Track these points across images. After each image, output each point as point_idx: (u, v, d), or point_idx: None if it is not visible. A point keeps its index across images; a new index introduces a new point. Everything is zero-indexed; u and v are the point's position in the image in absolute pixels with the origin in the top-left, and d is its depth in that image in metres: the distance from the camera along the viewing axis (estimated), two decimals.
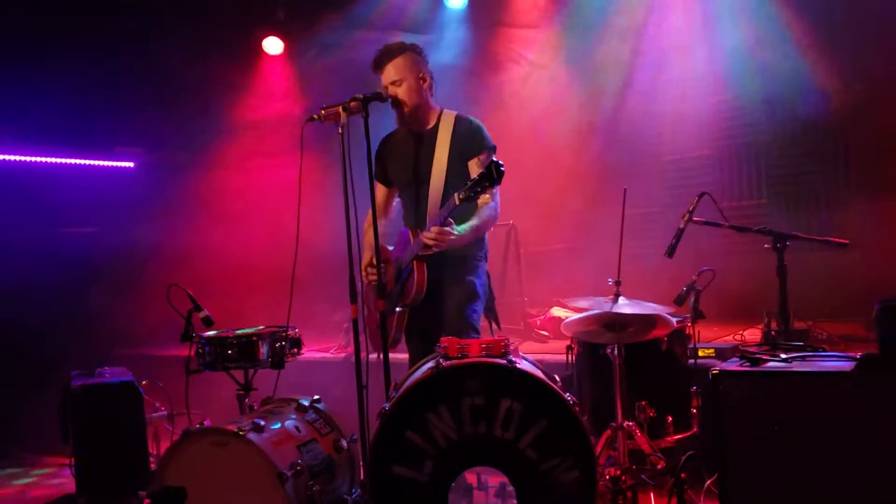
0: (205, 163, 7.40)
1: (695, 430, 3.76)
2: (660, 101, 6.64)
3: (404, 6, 7.10)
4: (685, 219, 3.61)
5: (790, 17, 5.81)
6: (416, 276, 3.50)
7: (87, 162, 7.48)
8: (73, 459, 4.26)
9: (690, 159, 6.72)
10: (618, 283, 3.58)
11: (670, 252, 3.61)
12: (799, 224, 5.97)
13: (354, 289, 3.44)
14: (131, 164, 7.77)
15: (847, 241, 3.75)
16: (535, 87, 7.19)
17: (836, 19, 5.42)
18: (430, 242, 3.36)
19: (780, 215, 6.25)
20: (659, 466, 3.44)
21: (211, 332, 3.73)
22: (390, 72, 3.68)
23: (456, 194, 3.19)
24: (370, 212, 3.79)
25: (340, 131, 3.44)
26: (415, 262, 3.51)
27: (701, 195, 3.63)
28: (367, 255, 3.71)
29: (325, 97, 3.61)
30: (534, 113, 7.02)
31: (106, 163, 7.61)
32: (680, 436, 3.75)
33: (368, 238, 3.68)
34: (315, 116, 3.55)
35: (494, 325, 3.84)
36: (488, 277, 3.81)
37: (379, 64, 3.72)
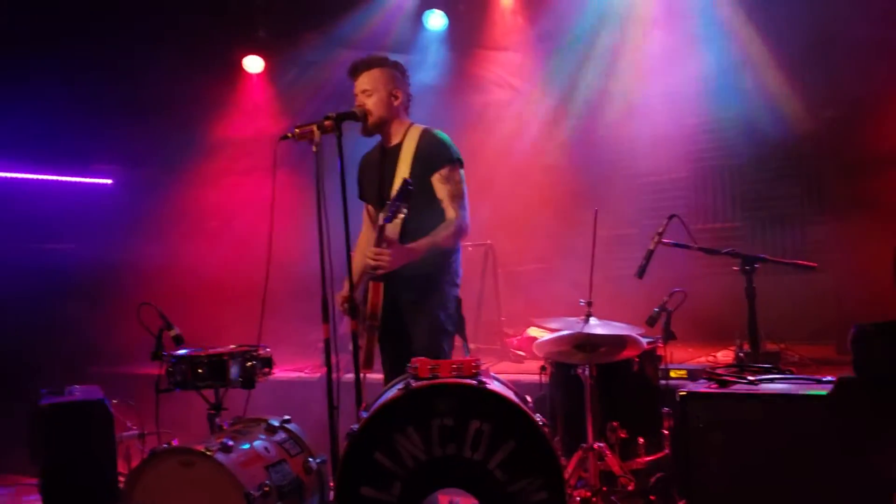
0: (183, 180, 7.38)
1: (666, 451, 3.76)
2: (635, 124, 6.70)
3: (385, 27, 7.15)
4: (655, 240, 3.64)
5: (763, 42, 5.90)
6: (370, 298, 3.43)
7: (64, 178, 7.43)
8: (41, 479, 4.20)
9: (665, 181, 6.78)
10: (589, 304, 3.60)
11: (640, 273, 3.64)
12: (772, 246, 6.06)
13: (327, 308, 3.42)
14: (109, 181, 7.73)
15: (815, 265, 3.79)
16: (512, 108, 7.26)
17: (808, 43, 5.50)
18: (372, 263, 3.32)
19: (754, 238, 6.33)
20: (629, 488, 3.44)
21: (181, 351, 3.71)
22: (363, 81, 3.67)
23: (381, 215, 3.24)
24: (359, 238, 3.81)
25: (315, 150, 3.43)
26: (371, 282, 3.44)
27: (671, 217, 3.67)
28: (346, 282, 3.69)
29: (305, 116, 3.60)
30: (511, 134, 7.08)
31: (83, 179, 7.56)
32: (651, 457, 3.74)
33: (354, 260, 3.65)
34: (289, 135, 3.53)
35: (465, 347, 3.79)
36: (458, 303, 3.69)
37: (354, 71, 3.70)
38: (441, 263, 3.59)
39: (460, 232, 3.56)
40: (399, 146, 3.69)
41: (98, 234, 6.98)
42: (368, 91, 3.66)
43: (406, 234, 3.44)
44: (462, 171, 3.62)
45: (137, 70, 7.01)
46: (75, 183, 7.52)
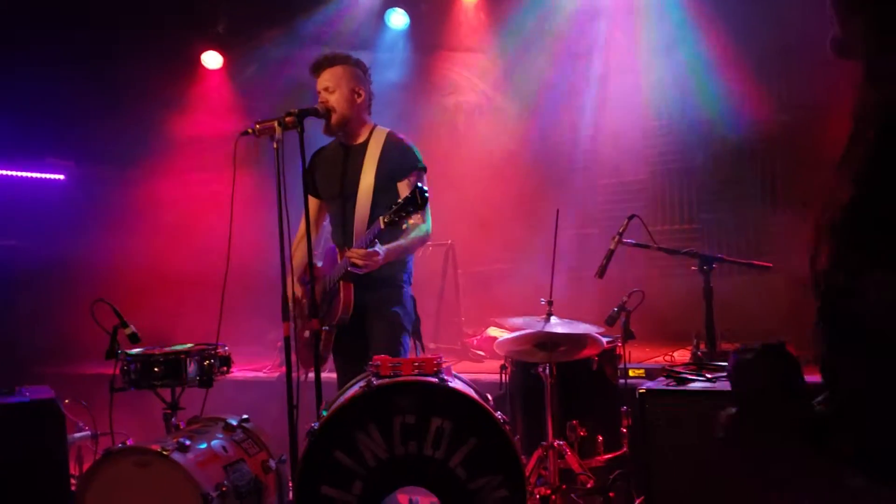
0: (138, 176, 7.25)
1: (625, 449, 3.81)
2: (596, 125, 6.78)
3: (346, 24, 7.12)
4: (615, 240, 3.68)
5: (721, 45, 6.00)
6: (342, 297, 3.46)
7: (16, 173, 7.25)
8: None
9: (626, 182, 6.85)
10: (550, 303, 3.62)
11: (601, 272, 3.67)
12: (729, 247, 6.15)
13: (287, 306, 3.39)
14: (62, 177, 7.55)
15: (770, 265, 3.87)
16: (473, 107, 7.28)
17: (766, 48, 5.61)
18: (360, 263, 3.32)
19: (711, 239, 6.42)
20: (588, 485, 3.47)
21: (137, 350, 3.63)
22: (325, 77, 3.66)
23: (381, 218, 3.20)
24: (300, 227, 3.77)
25: (276, 146, 3.39)
26: (341, 282, 3.47)
27: (630, 217, 3.71)
28: (295, 274, 3.67)
29: (263, 113, 3.55)
30: (472, 134, 7.10)
31: (36, 174, 7.38)
32: (610, 455, 3.78)
33: (296, 258, 3.65)
34: (249, 130, 3.49)
35: (419, 346, 3.80)
36: (413, 301, 3.74)
37: (317, 68, 3.69)
38: (398, 263, 3.63)
39: (426, 238, 3.64)
40: (363, 146, 3.69)
41: (49, 230, 6.82)
42: (331, 88, 3.65)
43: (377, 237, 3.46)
44: (425, 178, 3.65)
45: (93, 64, 6.88)
46: (26, 178, 7.34)
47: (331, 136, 3.76)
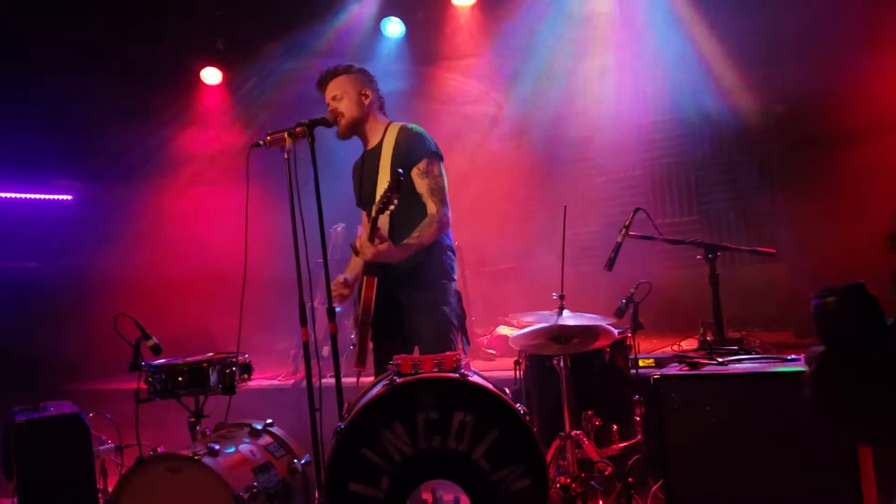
0: (144, 193, 7.36)
1: (639, 437, 3.90)
2: (596, 123, 6.87)
3: (344, 35, 7.21)
4: (622, 233, 3.76)
5: (715, 37, 6.10)
6: (363, 292, 3.51)
7: (25, 196, 7.34)
8: (16, 497, 4.15)
9: (625, 178, 6.96)
10: (561, 297, 3.70)
11: (610, 265, 3.76)
12: (728, 238, 6.26)
13: (304, 312, 3.45)
14: (69, 197, 7.64)
15: (773, 251, 3.95)
16: (475, 112, 7.36)
17: (759, 40, 5.71)
18: (365, 255, 3.36)
19: (711, 230, 6.53)
20: (606, 473, 3.55)
21: (160, 361, 3.72)
22: (331, 88, 3.73)
23: (373, 206, 3.27)
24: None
25: (287, 157, 3.45)
26: (364, 277, 3.51)
27: (636, 210, 3.80)
28: (344, 272, 3.75)
29: (264, 127, 3.62)
30: (475, 138, 7.18)
31: (44, 196, 7.47)
32: (625, 443, 3.88)
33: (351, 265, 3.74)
34: (260, 142, 3.54)
35: (465, 341, 3.79)
36: (458, 297, 3.74)
37: (322, 83, 3.77)
38: (434, 260, 3.62)
39: (442, 226, 3.59)
40: (379, 146, 3.74)
41: (61, 250, 6.92)
42: (338, 96, 3.72)
43: (393, 227, 3.52)
44: (441, 165, 3.67)
45: (95, 84, 6.96)
46: (36, 200, 7.43)
47: (345, 139, 3.82)
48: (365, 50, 7.22)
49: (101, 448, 4.64)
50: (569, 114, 6.87)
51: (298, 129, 3.50)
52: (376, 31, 7.25)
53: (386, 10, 7.21)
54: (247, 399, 5.05)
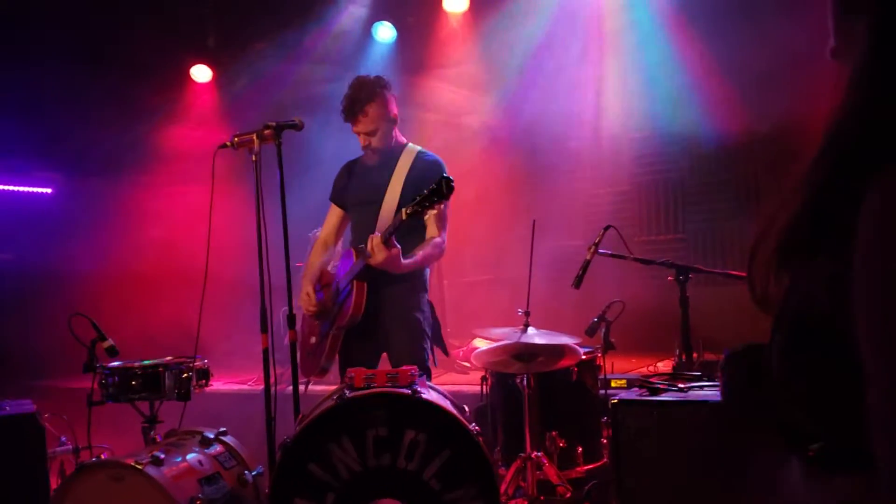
0: (125, 189, 7.27)
1: (605, 460, 3.81)
2: (580, 138, 6.80)
3: (335, 37, 7.14)
4: (591, 251, 3.68)
5: (701, 57, 6.04)
6: (354, 297, 3.46)
7: (4, 187, 7.26)
8: None
9: (610, 194, 6.89)
10: (527, 314, 3.62)
11: (577, 283, 3.67)
12: (713, 257, 6.18)
13: (265, 318, 3.39)
14: (49, 190, 7.57)
15: (745, 274, 3.86)
16: (458, 122, 7.28)
17: (745, 58, 5.64)
18: (377, 253, 3.29)
19: (697, 249, 6.44)
20: (566, 496, 3.47)
21: (114, 363, 3.64)
22: (363, 125, 3.63)
23: (403, 209, 3.20)
24: (321, 233, 3.81)
25: (254, 159, 3.42)
26: (355, 281, 3.47)
27: (606, 228, 3.72)
28: (306, 285, 3.71)
29: (253, 126, 3.55)
30: (455, 146, 7.09)
31: (23, 188, 7.40)
32: (590, 466, 3.78)
33: (310, 271, 3.68)
34: (228, 143, 3.51)
35: (443, 351, 3.81)
36: (431, 307, 3.75)
37: (350, 115, 3.64)
38: (417, 272, 3.64)
39: (442, 251, 3.67)
40: (395, 158, 3.71)
41: (36, 244, 6.83)
42: (372, 131, 3.64)
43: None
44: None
45: (83, 78, 6.90)
46: (14, 192, 7.35)
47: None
48: (355, 52, 7.15)
49: (59, 449, 4.54)
50: (555, 126, 6.79)
51: (266, 132, 3.45)
52: (367, 34, 7.18)
53: (378, 15, 7.14)
54: (215, 403, 4.99)
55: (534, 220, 3.58)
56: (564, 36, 6.56)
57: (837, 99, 1.07)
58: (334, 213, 3.91)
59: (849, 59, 1.09)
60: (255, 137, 3.46)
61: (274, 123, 3.46)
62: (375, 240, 3.31)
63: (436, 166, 3.66)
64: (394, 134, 3.75)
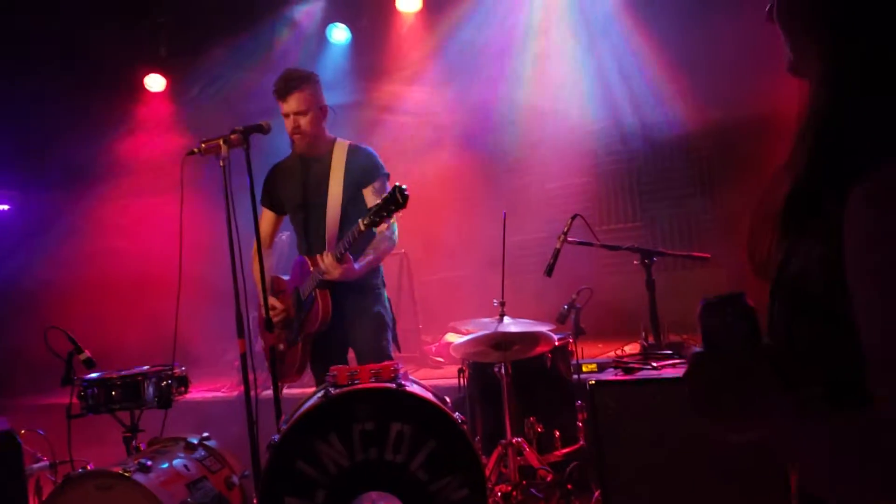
0: (84, 202, 7.18)
1: (581, 442, 3.92)
2: (539, 131, 6.91)
3: (289, 42, 7.15)
4: (561, 239, 3.78)
5: (655, 47, 6.19)
6: (320, 304, 3.53)
7: None
8: None
9: (569, 185, 7.01)
10: (502, 304, 3.71)
11: (549, 271, 3.76)
12: (672, 243, 6.35)
13: (241, 323, 3.41)
14: (6, 207, 7.43)
15: (709, 255, 4.01)
16: (418, 120, 7.34)
17: (696, 47, 5.79)
18: (335, 274, 3.39)
19: (653, 237, 6.62)
20: (548, 480, 3.56)
21: (93, 375, 3.63)
22: (295, 102, 3.66)
23: (360, 221, 3.23)
24: (254, 245, 3.80)
25: (222, 164, 3.43)
26: (317, 290, 3.53)
27: (574, 217, 3.82)
28: (269, 296, 3.72)
29: (209, 133, 3.57)
30: (418, 145, 7.17)
31: None
32: (568, 449, 3.88)
33: (258, 273, 3.68)
34: (195, 150, 3.52)
35: (396, 347, 3.87)
36: (390, 302, 3.84)
37: (284, 92, 3.68)
38: (374, 270, 3.73)
39: (393, 245, 3.74)
40: (327, 157, 3.74)
41: None
42: (303, 111, 3.68)
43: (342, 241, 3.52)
44: (388, 183, 3.72)
45: (35, 91, 6.79)
46: None
47: (300, 152, 3.80)
48: (310, 55, 7.16)
49: (35, 466, 4.49)
50: (512, 121, 6.90)
51: (234, 137, 3.47)
52: (322, 36, 7.20)
53: (331, 17, 7.15)
54: (187, 411, 4.96)
55: (504, 213, 3.67)
56: (521, 32, 6.66)
57: (804, 103, 1.19)
58: (267, 218, 3.93)
59: (807, 74, 1.21)
60: (221, 143, 3.47)
61: (241, 128, 3.49)
62: (328, 259, 3.39)
63: (371, 158, 3.75)
64: (323, 126, 3.79)
